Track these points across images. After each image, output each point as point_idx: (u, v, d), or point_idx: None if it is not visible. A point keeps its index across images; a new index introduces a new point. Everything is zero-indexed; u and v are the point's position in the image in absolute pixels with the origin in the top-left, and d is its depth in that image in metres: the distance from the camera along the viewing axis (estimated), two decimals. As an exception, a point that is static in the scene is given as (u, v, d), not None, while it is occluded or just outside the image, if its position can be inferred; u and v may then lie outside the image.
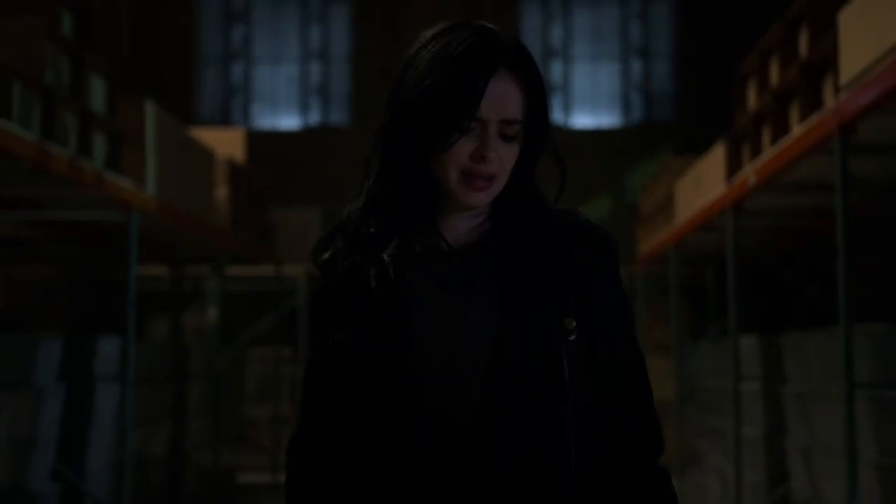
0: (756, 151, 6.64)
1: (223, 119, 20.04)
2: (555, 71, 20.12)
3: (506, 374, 1.70)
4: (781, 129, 6.09)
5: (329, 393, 1.76)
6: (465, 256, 1.79)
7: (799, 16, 5.88)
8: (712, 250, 9.19)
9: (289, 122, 20.13)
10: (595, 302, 1.80)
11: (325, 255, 1.81)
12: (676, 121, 19.52)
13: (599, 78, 20.15)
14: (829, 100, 5.20)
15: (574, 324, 1.72)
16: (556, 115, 20.10)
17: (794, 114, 5.88)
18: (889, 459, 5.36)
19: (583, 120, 19.97)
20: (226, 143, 10.42)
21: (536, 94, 1.80)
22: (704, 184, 8.14)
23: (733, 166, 7.19)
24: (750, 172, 6.64)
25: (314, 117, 20.09)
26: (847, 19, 4.92)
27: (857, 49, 4.81)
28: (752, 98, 6.88)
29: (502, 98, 1.73)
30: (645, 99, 19.98)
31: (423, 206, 1.77)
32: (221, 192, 9.76)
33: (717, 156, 7.67)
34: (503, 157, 1.75)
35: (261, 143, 17.98)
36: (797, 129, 5.71)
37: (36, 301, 8.88)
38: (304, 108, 20.11)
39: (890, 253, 8.03)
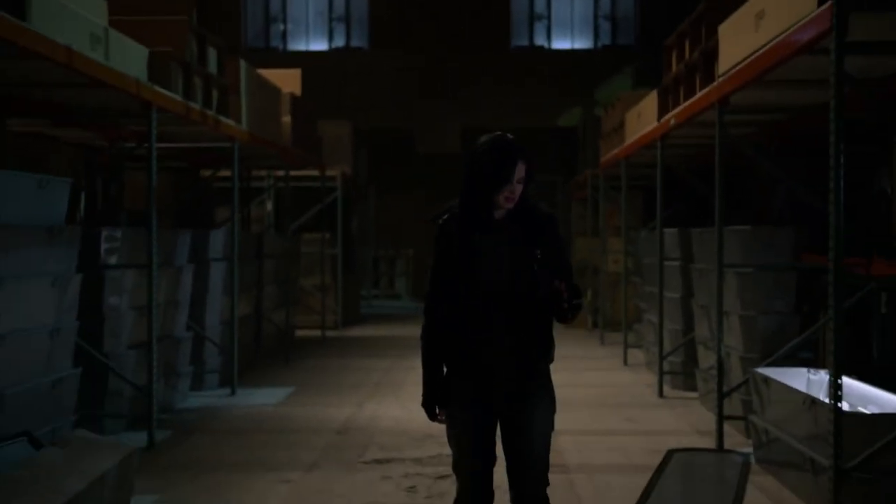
0: (676, 103, 8.43)
1: (265, 42, 21.39)
2: (539, 1, 21.46)
3: (515, 269, 3.57)
4: (691, 91, 7.88)
5: (442, 277, 3.64)
6: (498, 225, 3.64)
7: (701, 14, 7.64)
8: (651, 163, 10.97)
9: (318, 44, 21.54)
10: (547, 242, 3.67)
11: (440, 221, 3.70)
12: (638, 44, 20.90)
13: (575, 6, 21.45)
14: (715, 81, 7.00)
15: (538, 251, 3.63)
16: (540, 39, 21.49)
17: (698, 82, 7.67)
18: (747, 312, 7.32)
19: (561, 43, 21.39)
20: (288, 81, 12.02)
21: (531, 165, 3.64)
22: (644, 118, 9.93)
23: (662, 110, 8.96)
24: (672, 116, 8.45)
25: (339, 41, 21.49)
26: (724, 31, 6.70)
27: (728, 52, 6.59)
28: (674, 64, 8.64)
29: (518, 172, 3.57)
30: (612, 25, 21.33)
31: (486, 205, 3.60)
32: (286, 119, 11.48)
33: (651, 101, 9.46)
34: (518, 191, 3.58)
35: (294, 62, 19.35)
36: (698, 94, 7.51)
37: (163, 203, 10.74)
38: (330, 33, 21.48)
39: (757, 176, 9.72)
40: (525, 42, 21.40)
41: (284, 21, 21.47)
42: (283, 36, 21.44)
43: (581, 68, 20.70)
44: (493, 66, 20.85)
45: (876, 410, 5.75)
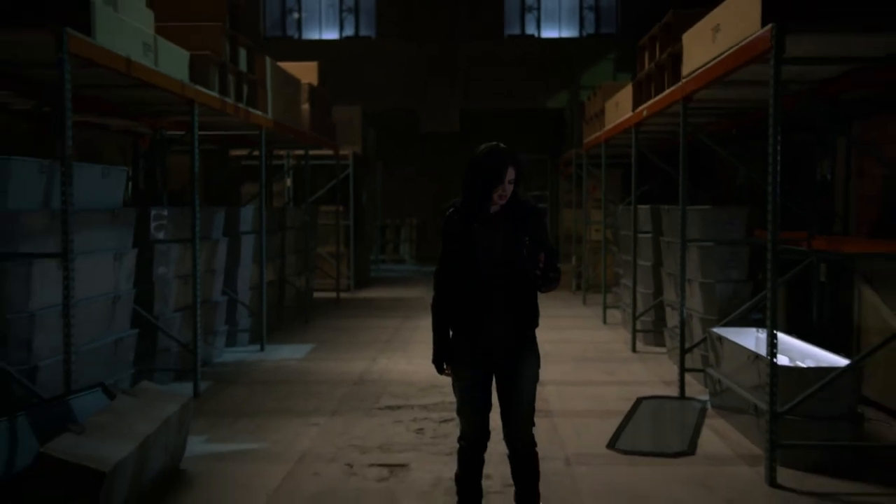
0: (648, 96, 8.84)
1: (282, 32, 21.63)
2: (530, -7, 21.71)
3: (507, 253, 4.00)
4: (660, 87, 8.31)
5: (448, 260, 4.11)
6: (494, 218, 4.09)
7: (669, 22, 8.05)
8: (627, 145, 11.39)
9: (329, 34, 21.77)
10: (534, 231, 4.12)
11: (447, 213, 4.16)
12: (619, 33, 21.18)
13: (563, -1, 21.74)
14: (681, 81, 7.42)
15: (526, 238, 4.09)
16: (531, 28, 21.75)
17: (666, 80, 8.09)
18: (706, 279, 7.80)
19: (550, 32, 21.62)
20: (307, 72, 12.38)
21: (519, 169, 4.10)
22: (621, 108, 10.33)
23: (636, 102, 9.37)
24: (645, 108, 8.87)
25: (349, 30, 21.72)
26: (687, 39, 7.11)
27: (691, 57, 7.01)
28: (647, 62, 9.04)
29: (508, 175, 4.03)
30: (596, 15, 21.58)
31: (483, 201, 4.06)
32: (305, 107, 11.87)
33: (627, 93, 9.87)
34: (509, 190, 4.04)
35: (308, 50, 19.63)
36: (667, 91, 7.93)
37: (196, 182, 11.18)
38: (340, 23, 21.72)
39: (714, 163, 10.15)
40: (517, 31, 21.65)
41: (299, 11, 21.70)
42: (299, 25, 21.66)
43: (568, 55, 20.98)
44: (489, 53, 21.14)
45: (812, 364, 6.24)
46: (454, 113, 20.84)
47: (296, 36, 21.56)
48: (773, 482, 5.19)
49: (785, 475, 5.32)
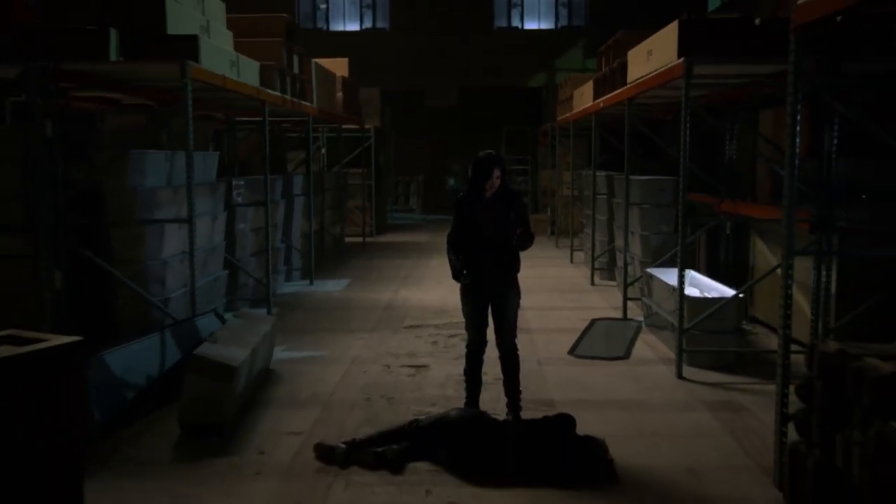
0: (604, 92, 9.75)
1: (313, 24, 22.23)
2: (515, -9, 22.30)
3: (498, 225, 4.97)
4: (612, 87, 9.23)
5: (458, 225, 5.09)
6: (489, 201, 5.09)
7: (618, 39, 8.97)
8: (589, 126, 12.31)
9: (352, 26, 22.37)
10: (516, 209, 5.13)
11: (457, 197, 5.17)
12: (588, 25, 21.83)
13: (542, -5, 22.36)
14: (627, 85, 8.37)
15: (511, 214, 5.10)
16: (515, 21, 22.39)
17: (617, 82, 9.03)
18: (644, 232, 8.82)
19: (531, 24, 22.27)
20: (340, 66, 13.24)
21: (503, 168, 5.09)
22: (584, 98, 11.25)
23: (597, 94, 10.27)
24: (602, 101, 9.79)
25: (367, 23, 22.33)
26: (630, 56, 8.04)
27: (634, 69, 7.95)
28: (603, 66, 9.96)
29: (495, 173, 5.02)
30: (568, 10, 22.20)
31: (479, 191, 5.05)
32: (339, 95, 12.75)
33: (589, 87, 10.78)
34: (497, 184, 5.04)
35: (335, 39, 20.26)
36: (616, 91, 8.87)
37: (256, 153, 12.13)
38: (360, 17, 22.32)
39: (653, 148, 11.04)
40: (504, 23, 22.29)
41: (327, 2, 22.29)
42: (326, 17, 22.26)
43: (546, 43, 21.66)
44: (482, 41, 21.84)
45: (715, 295, 7.30)
46: (454, 91, 21.62)
47: (325, 28, 22.18)
48: (680, 376, 6.32)
49: (689, 372, 6.43)
